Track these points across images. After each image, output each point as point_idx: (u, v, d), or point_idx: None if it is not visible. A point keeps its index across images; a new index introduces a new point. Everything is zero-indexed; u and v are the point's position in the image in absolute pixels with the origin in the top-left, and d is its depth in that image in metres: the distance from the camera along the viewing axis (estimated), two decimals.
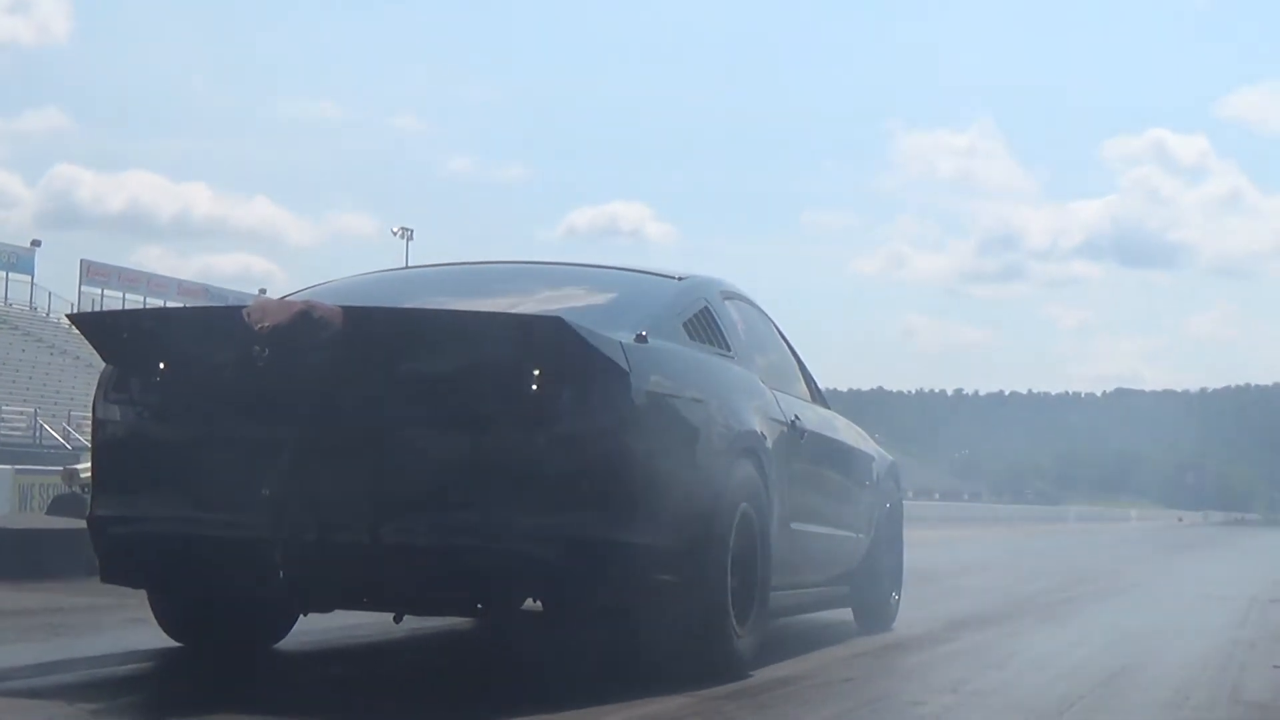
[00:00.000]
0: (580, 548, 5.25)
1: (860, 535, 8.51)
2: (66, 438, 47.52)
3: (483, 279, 7.10)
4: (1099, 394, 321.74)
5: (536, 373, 5.23)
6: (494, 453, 5.27)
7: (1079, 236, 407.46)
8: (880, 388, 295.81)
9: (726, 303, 7.10)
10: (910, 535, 10.43)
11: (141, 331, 5.91)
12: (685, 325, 6.42)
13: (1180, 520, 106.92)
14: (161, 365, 5.63)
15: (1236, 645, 8.82)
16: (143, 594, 6.35)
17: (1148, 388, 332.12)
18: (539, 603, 5.76)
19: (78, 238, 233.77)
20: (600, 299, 6.49)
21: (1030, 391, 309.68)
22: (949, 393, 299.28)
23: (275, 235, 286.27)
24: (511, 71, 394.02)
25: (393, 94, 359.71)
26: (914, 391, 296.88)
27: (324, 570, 5.32)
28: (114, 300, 69.97)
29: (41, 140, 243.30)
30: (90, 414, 6.14)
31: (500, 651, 7.35)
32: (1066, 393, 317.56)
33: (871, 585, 8.73)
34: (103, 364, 5.93)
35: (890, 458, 9.44)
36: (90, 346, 5.99)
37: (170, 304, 67.04)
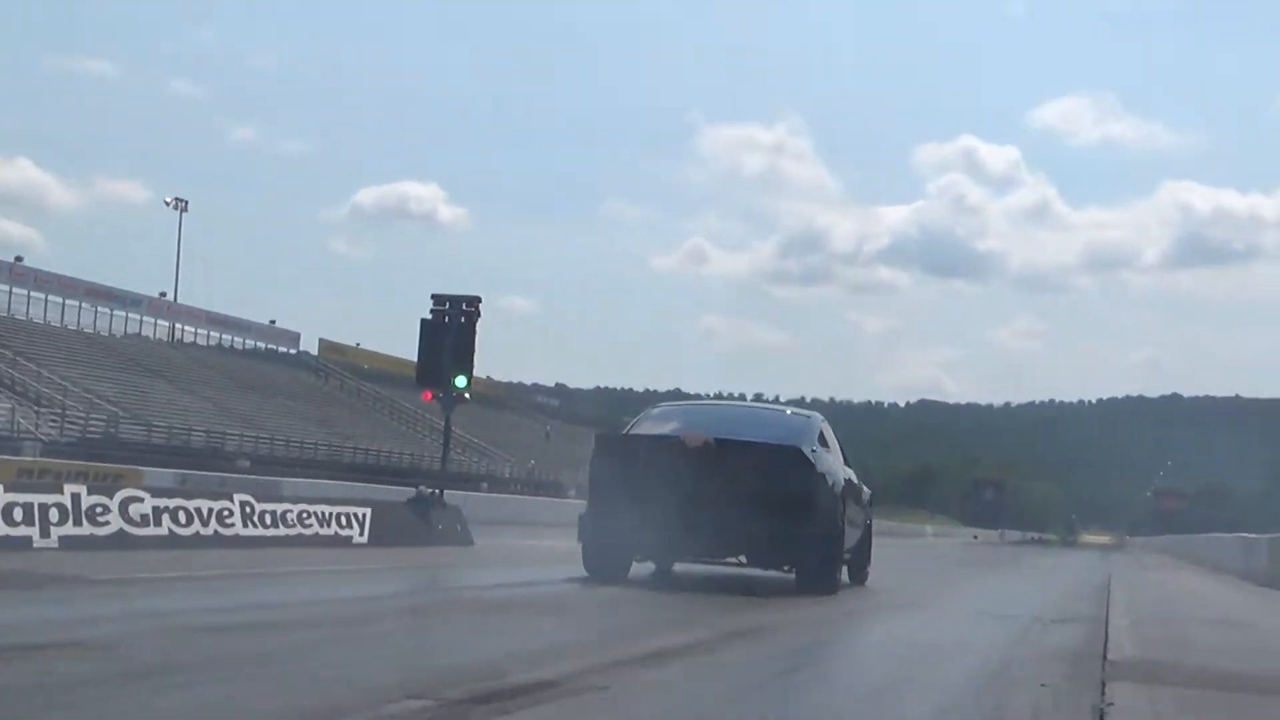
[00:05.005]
0: (803, 543, 14.72)
1: (859, 531, 17.61)
2: None
3: (740, 418, 17.43)
4: (902, 404, 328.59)
5: (787, 467, 14.72)
6: (772, 504, 14.62)
7: (885, 241, 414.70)
8: (678, 389, 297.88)
9: (824, 425, 16.91)
10: None
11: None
12: (819, 438, 16.07)
13: (976, 538, 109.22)
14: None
15: (1009, 664, 9.13)
16: None
17: (951, 400, 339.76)
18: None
19: None
20: (794, 429, 16.31)
21: (833, 399, 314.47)
22: (749, 397, 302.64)
23: (37, 200, 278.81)
24: (300, 39, 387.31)
25: (173, 55, 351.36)
26: (712, 395, 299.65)
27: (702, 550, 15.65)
28: None
29: None
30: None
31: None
32: (870, 402, 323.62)
33: (860, 559, 18.21)
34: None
35: (869, 491, 19.35)
36: None
37: None
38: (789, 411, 18.02)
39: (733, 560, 15.95)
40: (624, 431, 16.78)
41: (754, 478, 14.71)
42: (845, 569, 17.01)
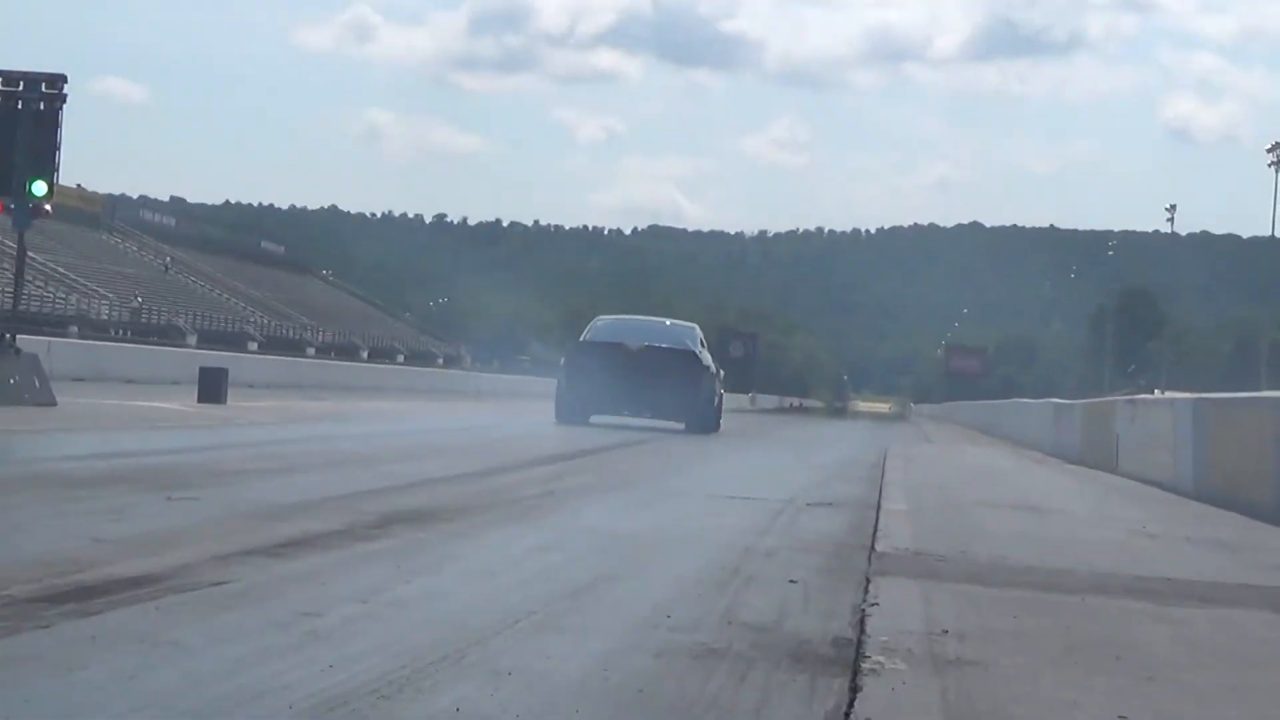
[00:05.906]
0: (693, 407, 34.00)
1: (718, 397, 37.30)
2: None
3: (653, 329, 37.62)
4: (626, 231, 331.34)
5: (685, 364, 34.77)
6: (677, 383, 33.90)
7: (608, 18, 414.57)
8: (334, 207, 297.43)
9: (699, 331, 38.31)
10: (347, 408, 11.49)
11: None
12: (699, 342, 37.06)
13: None
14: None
15: (750, 555, 9.37)
16: None
17: (690, 226, 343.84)
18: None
19: None
20: (682, 334, 37.18)
21: (538, 224, 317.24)
22: (427, 219, 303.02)
23: None
24: None
25: None
26: (378, 215, 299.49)
27: (635, 410, 34.50)
28: None
29: None
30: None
31: None
32: (585, 227, 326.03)
33: (718, 416, 37.03)
34: None
35: (723, 371, 40.19)
36: None
37: None
38: (669, 323, 38.74)
39: (649, 416, 33.46)
40: (582, 339, 34.78)
41: (666, 368, 32.96)
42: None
